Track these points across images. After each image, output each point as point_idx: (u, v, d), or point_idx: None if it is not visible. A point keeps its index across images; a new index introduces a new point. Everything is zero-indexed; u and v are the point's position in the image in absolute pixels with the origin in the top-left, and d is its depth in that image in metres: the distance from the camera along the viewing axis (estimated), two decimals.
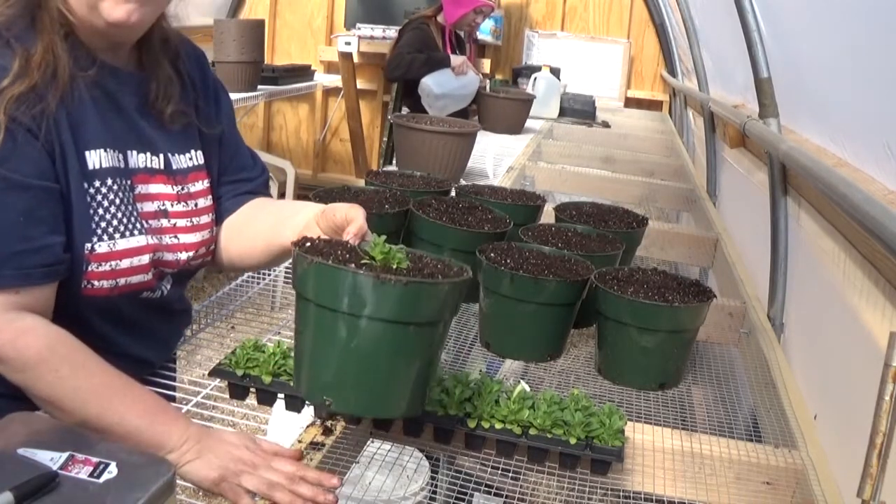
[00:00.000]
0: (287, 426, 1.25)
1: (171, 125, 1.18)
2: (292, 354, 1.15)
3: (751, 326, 1.76)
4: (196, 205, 1.21)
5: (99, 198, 1.07)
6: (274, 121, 6.33)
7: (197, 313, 1.53)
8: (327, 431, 1.13)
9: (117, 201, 1.09)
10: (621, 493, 1.15)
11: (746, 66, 2.05)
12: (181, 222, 1.18)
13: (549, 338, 1.46)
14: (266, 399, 1.18)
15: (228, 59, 4.08)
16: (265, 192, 1.35)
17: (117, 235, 1.08)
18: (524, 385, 1.15)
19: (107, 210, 1.07)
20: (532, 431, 1.09)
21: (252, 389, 1.18)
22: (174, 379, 1.31)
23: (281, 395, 1.17)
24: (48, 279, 1.02)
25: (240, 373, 1.17)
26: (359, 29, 5.71)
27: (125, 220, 1.09)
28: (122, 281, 1.11)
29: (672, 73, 5.38)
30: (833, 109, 1.58)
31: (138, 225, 1.11)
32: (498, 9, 5.82)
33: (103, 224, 1.07)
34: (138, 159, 1.14)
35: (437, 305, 0.96)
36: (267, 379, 1.16)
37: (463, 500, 1.12)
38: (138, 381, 1.07)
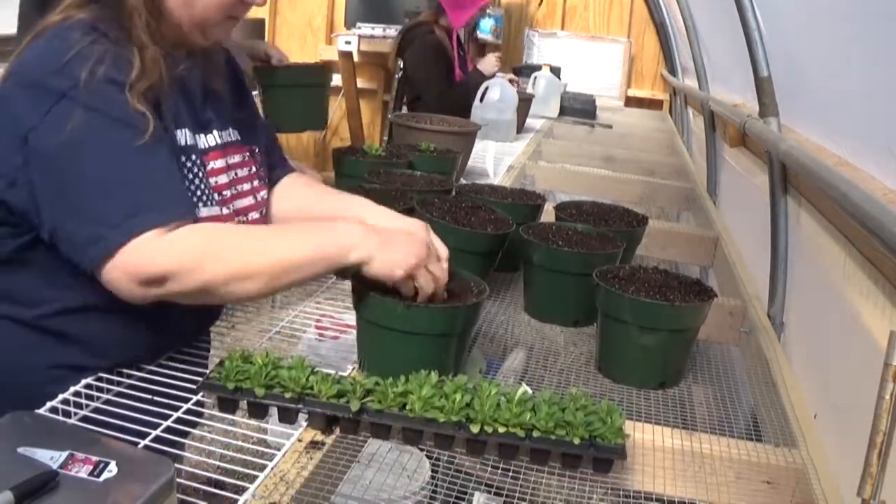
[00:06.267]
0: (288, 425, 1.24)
1: (217, 105, 1.30)
2: (282, 364, 1.14)
3: (751, 325, 1.76)
4: (236, 174, 1.31)
5: (185, 170, 1.18)
6: None
7: None
8: (328, 430, 1.13)
9: (199, 174, 1.20)
10: (621, 492, 1.15)
11: (746, 65, 2.05)
12: (229, 192, 1.29)
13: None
14: (257, 412, 1.13)
15: None
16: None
17: (200, 204, 1.18)
18: (526, 387, 1.14)
19: (191, 182, 1.18)
20: (535, 434, 1.08)
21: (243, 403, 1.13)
22: (209, 350, 1.37)
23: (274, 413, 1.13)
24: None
25: (231, 386, 1.12)
26: (359, 28, 5.70)
27: (205, 192, 1.20)
28: None
29: (672, 72, 5.37)
30: (833, 108, 1.58)
31: (214, 196, 1.22)
32: (498, 8, 5.82)
33: (192, 192, 1.17)
34: (206, 139, 1.25)
35: None
36: (260, 392, 1.11)
37: (463, 499, 1.12)
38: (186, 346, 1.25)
